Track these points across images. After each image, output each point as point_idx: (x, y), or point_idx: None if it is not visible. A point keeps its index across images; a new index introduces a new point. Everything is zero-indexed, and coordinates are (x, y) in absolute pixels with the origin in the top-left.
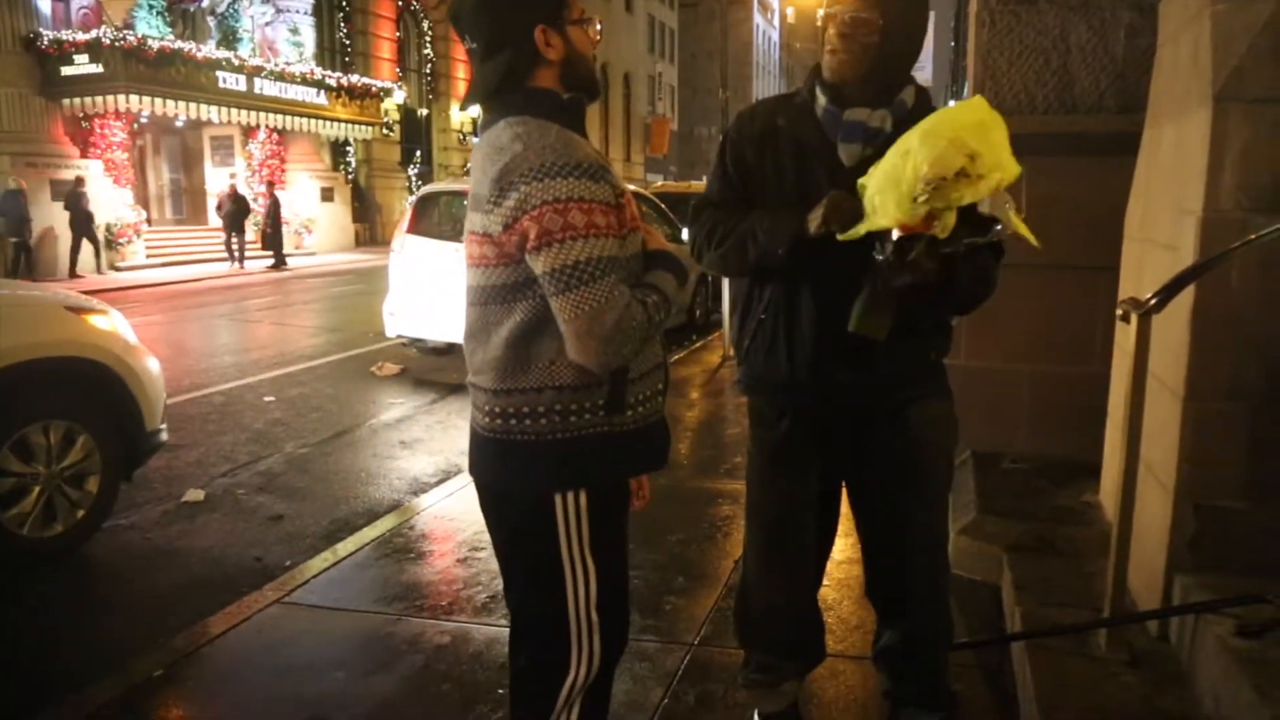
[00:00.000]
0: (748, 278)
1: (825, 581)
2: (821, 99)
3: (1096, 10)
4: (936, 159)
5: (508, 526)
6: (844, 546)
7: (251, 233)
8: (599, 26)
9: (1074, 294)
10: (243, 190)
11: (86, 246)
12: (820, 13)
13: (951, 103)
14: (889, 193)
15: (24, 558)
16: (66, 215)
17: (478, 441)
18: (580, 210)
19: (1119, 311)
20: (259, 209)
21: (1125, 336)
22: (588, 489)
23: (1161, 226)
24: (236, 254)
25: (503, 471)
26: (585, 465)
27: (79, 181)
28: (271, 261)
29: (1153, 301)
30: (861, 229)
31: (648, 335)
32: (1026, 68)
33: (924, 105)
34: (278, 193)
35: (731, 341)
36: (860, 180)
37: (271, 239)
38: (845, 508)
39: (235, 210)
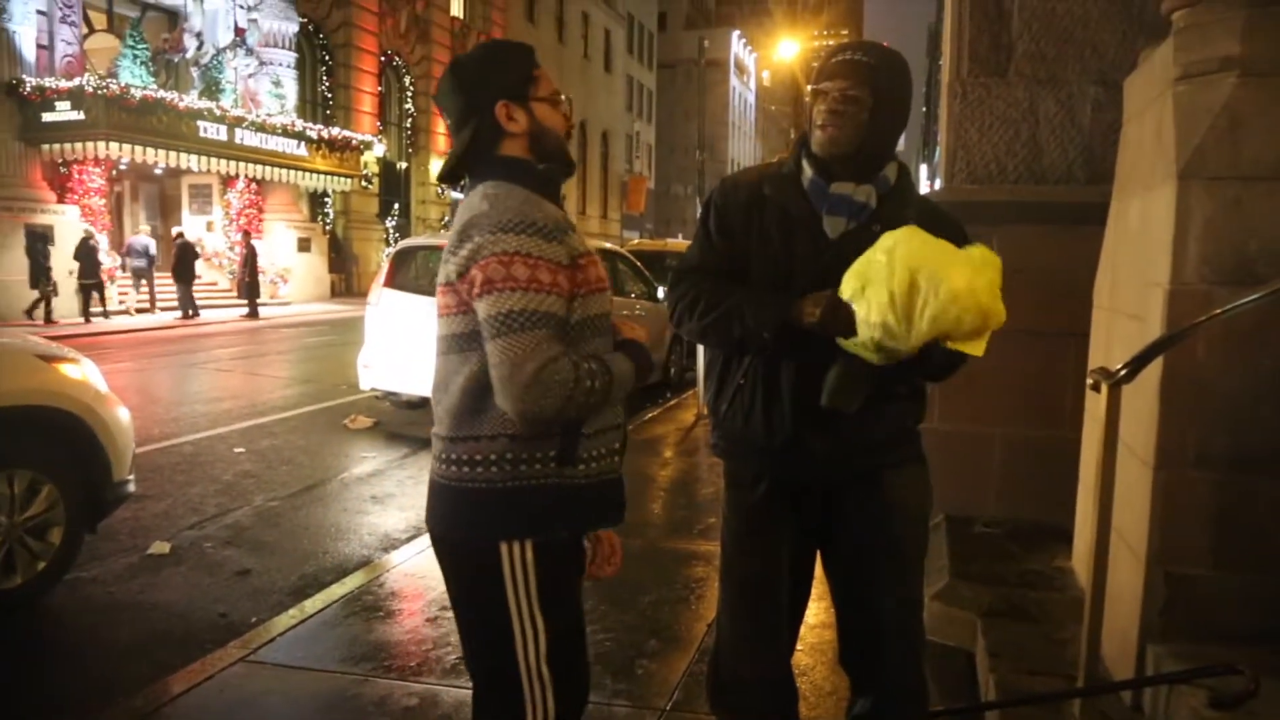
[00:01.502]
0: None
1: (799, 646)
2: (808, 171)
3: (1064, 84)
4: (952, 319)
5: (458, 577)
6: (817, 610)
7: (227, 281)
8: (567, 104)
9: (1044, 360)
10: (218, 239)
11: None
12: (809, 88)
13: (924, 168)
14: (894, 327)
15: None
16: (77, 265)
17: (433, 490)
18: (525, 264)
19: (1090, 381)
20: (234, 257)
21: (1096, 405)
22: (534, 540)
23: (1129, 297)
24: (187, 303)
25: (452, 519)
26: (532, 515)
27: (89, 235)
28: (246, 310)
29: (1123, 372)
30: (862, 351)
31: (574, 397)
32: (997, 138)
33: (904, 181)
34: (254, 241)
35: (706, 402)
36: (852, 285)
37: (248, 287)
38: (819, 571)
39: (182, 259)
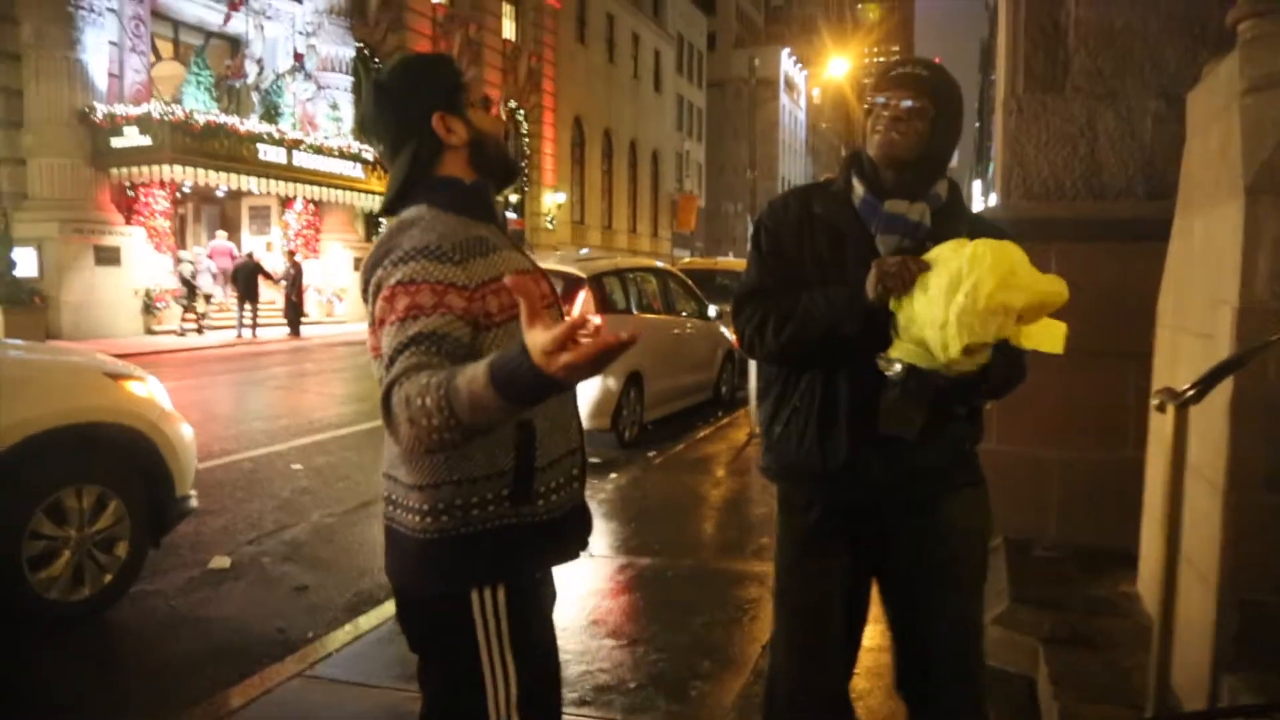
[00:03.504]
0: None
1: (855, 670)
2: (859, 188)
3: (1124, 99)
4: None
5: (421, 626)
6: (874, 634)
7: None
8: (496, 108)
9: (1105, 380)
10: (276, 259)
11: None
12: (868, 101)
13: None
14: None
15: (49, 621)
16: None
17: (388, 535)
18: (406, 293)
19: (1155, 401)
20: (276, 273)
21: (1161, 426)
22: (505, 584)
23: (1195, 315)
24: (249, 323)
25: (415, 571)
26: (495, 560)
27: (250, 255)
28: (289, 330)
29: (1190, 392)
30: (908, 356)
31: (416, 419)
32: (1054, 154)
33: (956, 197)
34: (306, 261)
35: (758, 420)
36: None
37: (292, 307)
38: (875, 593)
39: (248, 279)
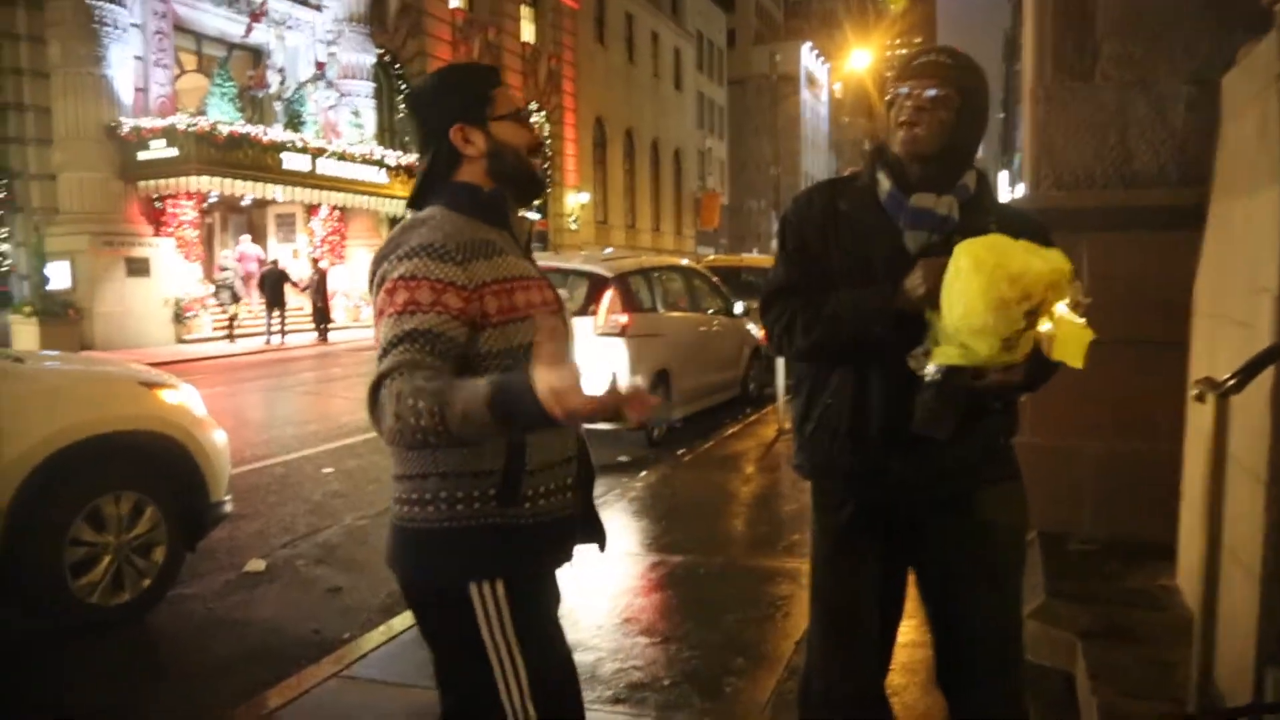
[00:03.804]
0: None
1: (890, 666)
2: (885, 183)
3: (1154, 85)
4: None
5: (426, 619)
6: (908, 629)
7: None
8: (533, 120)
9: (1138, 370)
10: (302, 266)
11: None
12: (890, 92)
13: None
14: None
15: (91, 625)
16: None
17: (390, 528)
18: (405, 288)
19: (1194, 391)
20: (302, 281)
21: (1200, 417)
22: (503, 579)
23: (1234, 303)
24: (277, 329)
25: (403, 560)
26: (474, 557)
27: (275, 263)
28: (316, 335)
29: (1231, 382)
30: (950, 358)
31: (405, 419)
32: (1084, 143)
33: (984, 188)
34: (332, 267)
35: (789, 417)
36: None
37: (318, 313)
38: (911, 588)
39: (275, 286)
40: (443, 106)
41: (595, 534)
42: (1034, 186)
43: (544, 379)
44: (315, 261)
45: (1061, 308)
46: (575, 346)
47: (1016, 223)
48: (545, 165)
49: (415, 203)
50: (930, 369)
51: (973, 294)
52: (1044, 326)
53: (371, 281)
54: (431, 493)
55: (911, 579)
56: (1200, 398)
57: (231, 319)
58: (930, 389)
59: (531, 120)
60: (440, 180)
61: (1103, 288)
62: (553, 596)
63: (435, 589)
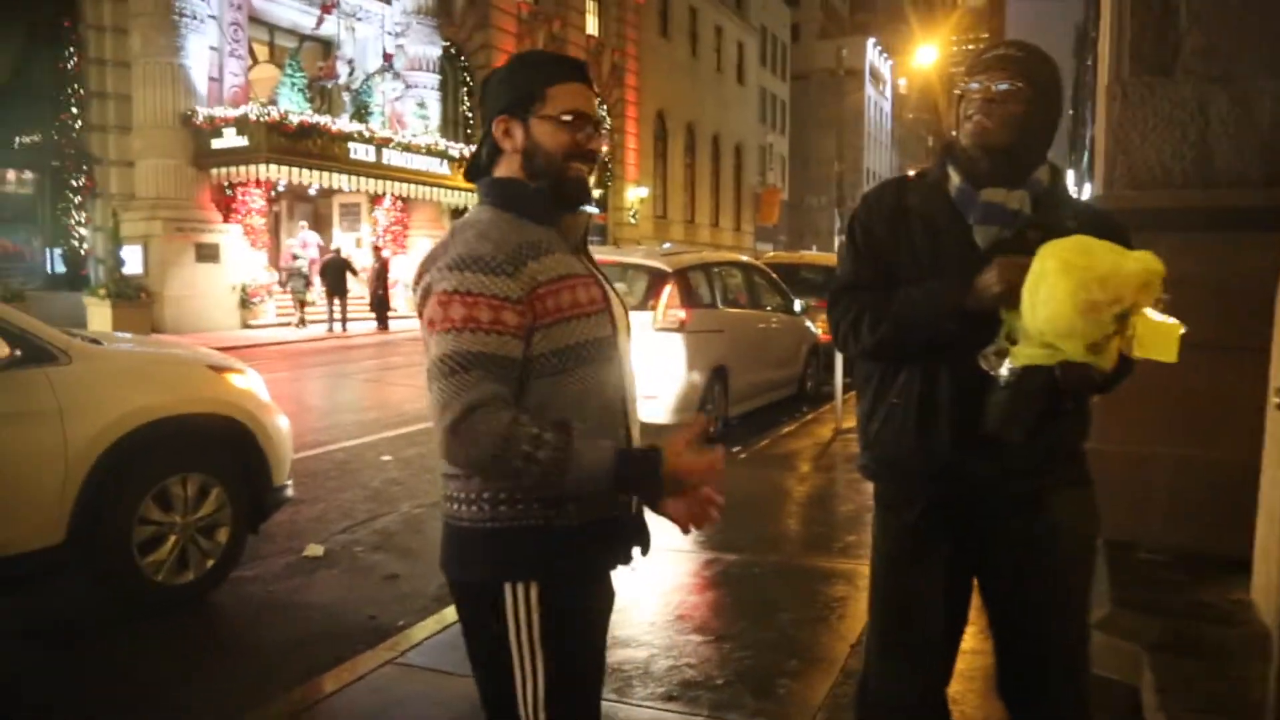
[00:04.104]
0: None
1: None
2: (955, 178)
3: (1238, 81)
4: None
5: (462, 613)
6: (968, 635)
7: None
8: (592, 130)
9: (1214, 376)
10: (366, 255)
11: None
12: (961, 86)
13: (1071, 173)
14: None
15: (157, 603)
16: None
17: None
18: (462, 303)
19: (1276, 400)
20: (365, 270)
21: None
22: (537, 582)
23: None
24: (339, 317)
25: (446, 556)
26: (518, 559)
27: (338, 251)
28: (377, 323)
29: None
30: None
31: (505, 457)
32: (1161, 141)
33: (1059, 184)
34: (394, 256)
35: (847, 416)
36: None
37: (379, 301)
38: (975, 596)
39: (337, 274)
40: (497, 94)
41: (640, 536)
42: (1107, 185)
43: (683, 463)
44: (378, 250)
45: (1147, 310)
46: (631, 340)
47: (1096, 222)
48: (596, 167)
49: (469, 175)
50: (1004, 369)
51: (1060, 297)
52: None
53: (417, 283)
54: (475, 492)
55: (974, 584)
56: None
57: (303, 304)
58: (1005, 390)
59: (593, 127)
60: (484, 168)
61: (1178, 290)
62: (602, 600)
63: (474, 587)
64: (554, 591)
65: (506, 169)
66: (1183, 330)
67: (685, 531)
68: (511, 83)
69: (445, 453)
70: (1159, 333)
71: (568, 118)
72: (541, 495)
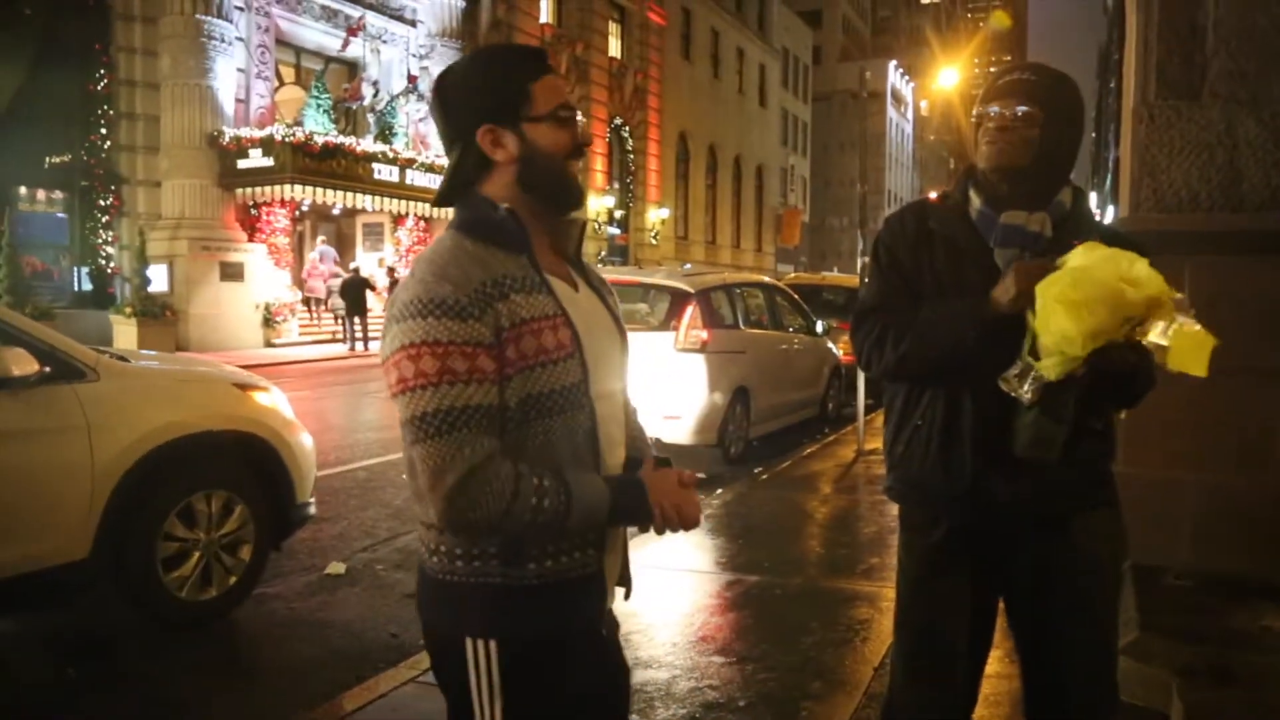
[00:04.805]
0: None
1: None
2: (976, 201)
3: (1267, 104)
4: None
5: (429, 653)
6: (992, 659)
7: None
8: (577, 116)
9: (1244, 399)
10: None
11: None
12: (978, 110)
13: (1093, 196)
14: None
15: (179, 619)
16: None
17: None
18: (433, 355)
19: None
20: (384, 290)
21: None
22: (496, 639)
23: None
24: (359, 336)
25: (421, 600)
26: (472, 615)
27: (357, 270)
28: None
29: None
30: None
31: (513, 512)
32: (1189, 164)
33: (1081, 207)
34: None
35: (869, 438)
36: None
37: None
38: (1001, 620)
39: (357, 293)
40: (473, 102)
41: (623, 579)
42: (1133, 208)
43: (668, 488)
44: (391, 271)
45: (1179, 318)
46: (632, 364)
47: (1116, 244)
48: (629, 180)
49: (441, 201)
50: (1027, 389)
51: (1067, 328)
52: (1155, 335)
53: (385, 321)
54: (434, 544)
55: (1000, 608)
56: None
57: (338, 319)
58: (1031, 410)
59: (574, 116)
60: (463, 188)
61: (1206, 313)
62: (588, 659)
63: (440, 635)
64: (516, 649)
65: (499, 182)
66: (1216, 343)
67: (660, 533)
68: (490, 86)
69: (444, 518)
70: (1193, 343)
71: (564, 114)
72: (502, 553)
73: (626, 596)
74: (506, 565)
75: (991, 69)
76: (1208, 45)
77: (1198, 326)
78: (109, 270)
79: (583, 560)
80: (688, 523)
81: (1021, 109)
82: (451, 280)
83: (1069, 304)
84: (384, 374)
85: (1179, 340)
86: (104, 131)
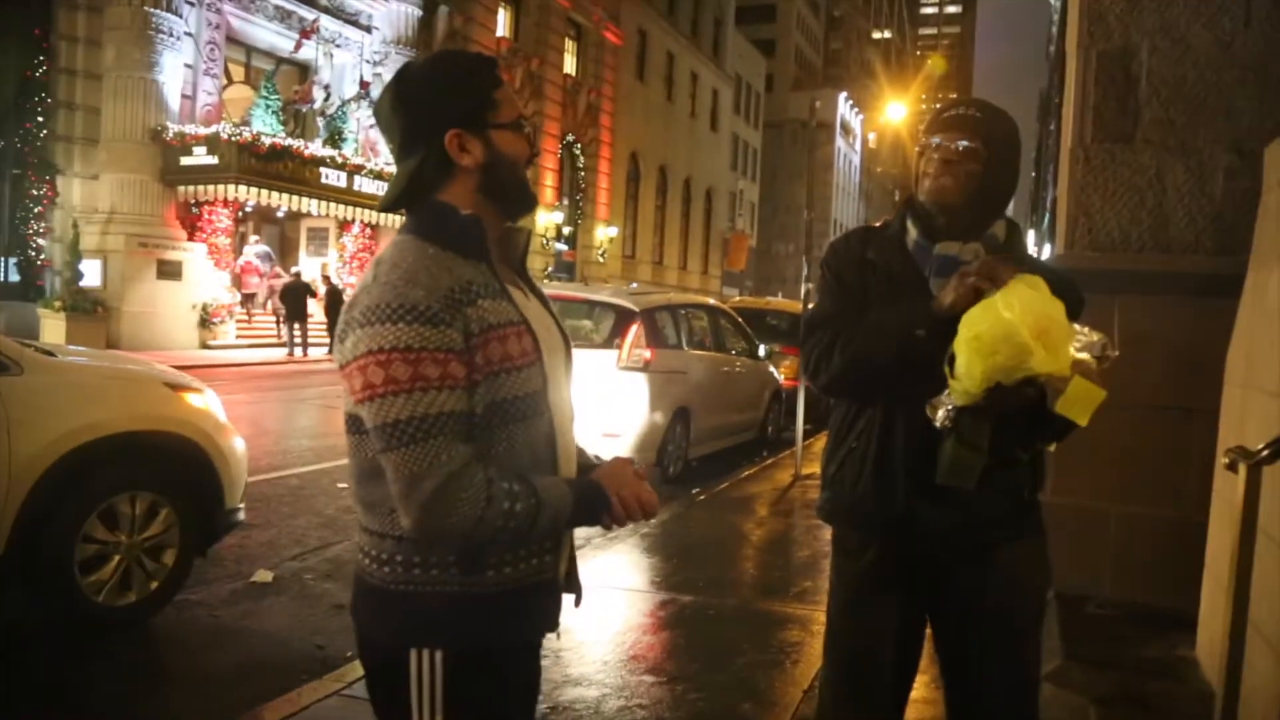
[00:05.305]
0: (845, 402)
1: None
2: (912, 231)
3: (1194, 152)
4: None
5: (365, 667)
6: (919, 685)
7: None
8: (530, 127)
9: (1166, 435)
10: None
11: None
12: (921, 142)
13: (1031, 234)
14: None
15: (95, 624)
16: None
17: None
18: (404, 361)
19: (1225, 460)
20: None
21: (1229, 487)
22: (443, 650)
23: (1268, 374)
24: (299, 341)
25: (358, 608)
26: (429, 624)
27: (298, 275)
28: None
29: (1265, 452)
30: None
31: (486, 518)
32: (1121, 206)
33: (1015, 239)
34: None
35: (806, 462)
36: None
37: (330, 328)
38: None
39: (297, 298)
40: (440, 106)
41: (572, 586)
42: (1068, 245)
43: (623, 479)
44: (326, 278)
45: (1084, 359)
46: (574, 381)
47: (1049, 278)
48: (578, 197)
49: (391, 207)
50: (940, 415)
51: (973, 365)
52: (1052, 372)
53: (340, 345)
54: (389, 553)
55: (927, 633)
56: (1232, 466)
57: (278, 323)
58: (950, 437)
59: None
60: (422, 194)
61: (1134, 351)
62: (523, 674)
63: (380, 648)
64: (462, 661)
65: (461, 189)
66: (1104, 397)
67: (622, 524)
68: (463, 87)
69: (419, 526)
70: (1083, 393)
71: (524, 122)
72: (461, 560)
73: (577, 604)
74: (465, 573)
75: (937, 105)
76: (1140, 93)
77: (1094, 378)
78: (39, 262)
79: (540, 566)
80: (648, 510)
81: (963, 143)
82: (423, 285)
83: (978, 344)
84: (344, 379)
85: (1073, 386)
86: (40, 119)
